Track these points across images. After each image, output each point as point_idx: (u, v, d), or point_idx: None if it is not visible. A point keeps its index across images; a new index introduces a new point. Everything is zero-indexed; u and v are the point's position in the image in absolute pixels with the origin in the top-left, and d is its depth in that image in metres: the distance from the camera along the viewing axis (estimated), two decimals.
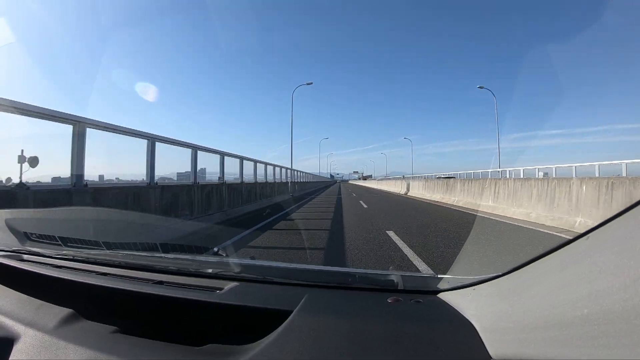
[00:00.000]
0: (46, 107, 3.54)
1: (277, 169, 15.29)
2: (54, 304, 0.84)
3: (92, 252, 1.32)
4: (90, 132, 4.04)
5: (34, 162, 3.56)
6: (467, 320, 0.65)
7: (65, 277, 0.94)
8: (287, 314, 0.71)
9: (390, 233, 5.23)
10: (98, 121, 4.25)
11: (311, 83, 22.85)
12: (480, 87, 24.14)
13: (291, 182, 18.66)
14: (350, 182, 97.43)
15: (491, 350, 0.55)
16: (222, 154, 8.58)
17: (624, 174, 9.34)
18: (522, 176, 14.91)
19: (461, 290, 0.77)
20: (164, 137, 5.85)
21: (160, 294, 0.83)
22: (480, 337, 0.58)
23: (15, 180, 3.39)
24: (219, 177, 8.27)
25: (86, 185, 3.92)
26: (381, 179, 54.80)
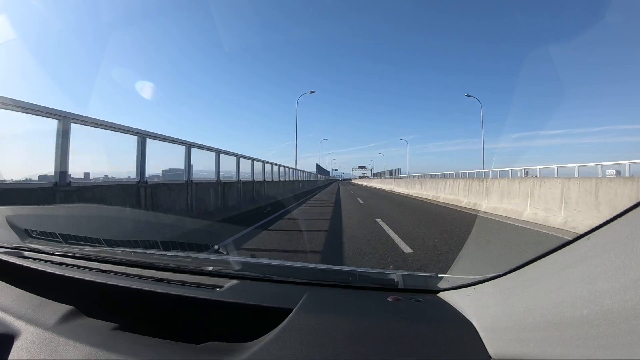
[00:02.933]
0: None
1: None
2: (55, 300, 0.84)
3: (93, 249, 1.32)
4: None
5: None
6: (467, 319, 0.65)
7: (66, 274, 0.94)
8: (287, 312, 0.71)
9: None
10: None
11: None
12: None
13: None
14: (353, 181, 77.96)
15: (491, 350, 0.55)
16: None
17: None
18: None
19: (461, 289, 0.77)
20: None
21: (161, 291, 0.83)
22: (480, 337, 0.58)
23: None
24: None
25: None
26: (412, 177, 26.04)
